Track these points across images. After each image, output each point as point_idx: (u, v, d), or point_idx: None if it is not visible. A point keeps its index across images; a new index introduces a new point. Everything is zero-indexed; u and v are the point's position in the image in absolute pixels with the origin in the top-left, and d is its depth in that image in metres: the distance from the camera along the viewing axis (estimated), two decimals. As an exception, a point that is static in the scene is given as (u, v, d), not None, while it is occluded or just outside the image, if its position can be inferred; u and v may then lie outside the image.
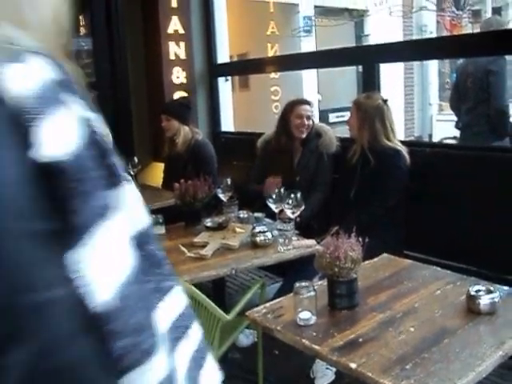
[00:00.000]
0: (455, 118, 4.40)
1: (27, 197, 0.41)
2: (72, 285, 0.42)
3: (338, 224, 2.90)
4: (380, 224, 2.91)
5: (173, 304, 0.51)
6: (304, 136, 3.33)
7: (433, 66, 8.92)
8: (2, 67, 0.41)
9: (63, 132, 0.42)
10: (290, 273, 2.62)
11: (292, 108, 3.36)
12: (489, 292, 1.72)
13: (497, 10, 11.01)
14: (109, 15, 4.42)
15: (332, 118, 6.88)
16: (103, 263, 0.43)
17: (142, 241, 0.48)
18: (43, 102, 0.42)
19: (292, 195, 2.49)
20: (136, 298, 0.45)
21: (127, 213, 0.46)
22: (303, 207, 2.52)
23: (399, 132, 8.74)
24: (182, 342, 0.51)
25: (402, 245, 2.93)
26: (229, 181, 2.97)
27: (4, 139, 0.41)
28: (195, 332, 0.54)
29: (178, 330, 0.51)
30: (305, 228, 2.87)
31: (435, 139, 8.45)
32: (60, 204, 0.42)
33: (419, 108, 9.30)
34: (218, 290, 2.92)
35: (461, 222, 2.88)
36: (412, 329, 1.62)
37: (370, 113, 2.99)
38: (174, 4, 4.39)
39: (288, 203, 2.49)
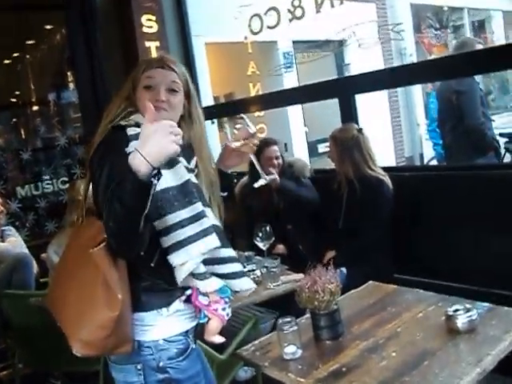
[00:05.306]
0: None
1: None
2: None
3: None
4: (369, 251, 2.98)
5: None
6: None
7: (417, 87, 9.05)
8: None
9: None
10: (283, 307, 2.68)
11: (261, 150, 3.45)
12: (467, 311, 1.77)
13: (479, 23, 11.31)
14: (93, 71, 4.58)
15: (321, 148, 6.98)
16: None
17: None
18: None
19: (262, 228, 2.71)
20: None
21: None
22: (273, 239, 2.74)
23: (390, 154, 8.76)
24: None
25: (391, 269, 2.99)
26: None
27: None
28: None
29: None
30: (297, 260, 2.93)
31: (426, 157, 8.53)
32: None
33: (407, 129, 9.40)
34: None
35: (449, 241, 2.93)
36: (394, 354, 1.68)
37: (347, 145, 3.07)
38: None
39: (259, 236, 2.70)
